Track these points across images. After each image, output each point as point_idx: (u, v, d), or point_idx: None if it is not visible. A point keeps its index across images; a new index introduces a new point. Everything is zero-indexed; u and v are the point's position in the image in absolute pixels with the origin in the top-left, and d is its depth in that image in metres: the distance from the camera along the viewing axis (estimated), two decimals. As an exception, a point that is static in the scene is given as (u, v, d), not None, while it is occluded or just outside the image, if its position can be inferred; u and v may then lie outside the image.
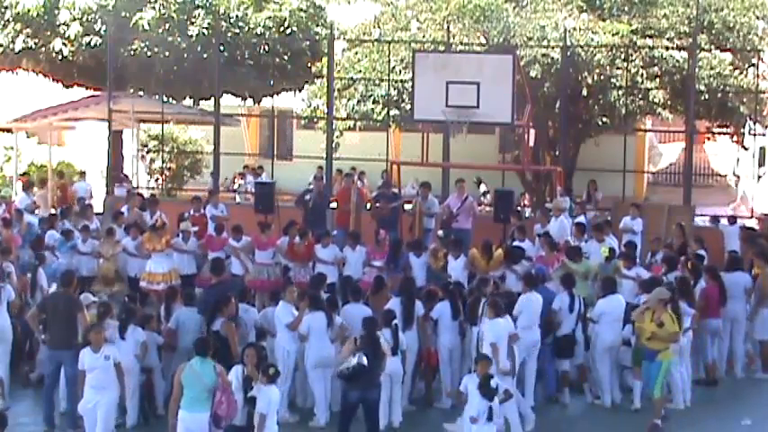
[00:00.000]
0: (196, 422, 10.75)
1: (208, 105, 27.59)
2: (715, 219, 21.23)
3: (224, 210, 19.92)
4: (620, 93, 22.84)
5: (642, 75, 22.68)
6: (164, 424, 11.63)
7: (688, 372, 14.28)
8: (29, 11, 25.09)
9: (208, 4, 25.22)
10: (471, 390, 11.04)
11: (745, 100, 23.49)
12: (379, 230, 17.76)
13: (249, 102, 29.05)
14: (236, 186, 28.23)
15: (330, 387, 13.19)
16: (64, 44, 25.35)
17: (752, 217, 22.39)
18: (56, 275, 15.21)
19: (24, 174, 25.21)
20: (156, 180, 28.65)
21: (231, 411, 10.82)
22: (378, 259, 16.78)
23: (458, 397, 11.53)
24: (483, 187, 27.36)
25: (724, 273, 15.49)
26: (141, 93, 27.25)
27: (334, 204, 20.82)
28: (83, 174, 25.23)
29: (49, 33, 25.49)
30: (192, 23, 25.01)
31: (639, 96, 23.03)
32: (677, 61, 22.80)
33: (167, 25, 25.02)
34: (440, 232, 18.42)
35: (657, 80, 22.81)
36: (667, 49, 22.88)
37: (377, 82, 24.16)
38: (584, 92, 22.89)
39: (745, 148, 27.28)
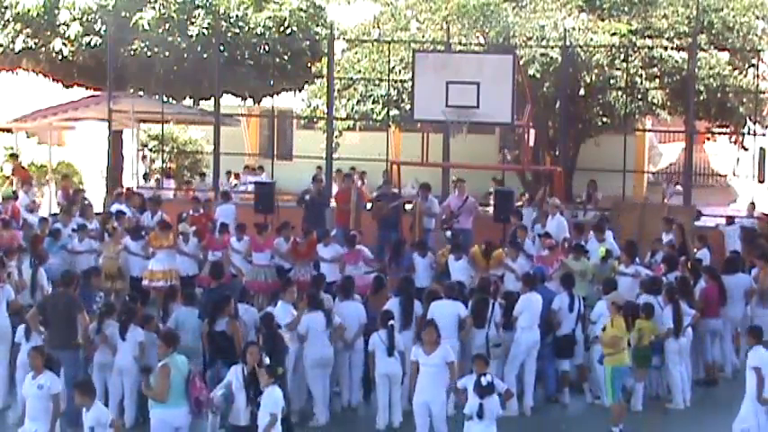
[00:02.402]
0: (177, 417, 10.91)
1: (208, 105, 27.59)
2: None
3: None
4: (620, 93, 22.85)
5: (641, 75, 22.70)
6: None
7: (688, 372, 14.28)
8: (29, 11, 25.07)
9: (208, 4, 25.20)
10: (469, 388, 11.06)
11: (744, 100, 23.50)
12: (352, 232, 17.80)
13: (249, 102, 29.04)
14: (231, 186, 28.18)
15: (329, 386, 13.22)
16: (64, 44, 25.33)
17: (753, 216, 22.34)
18: (49, 275, 15.25)
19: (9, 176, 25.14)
20: (156, 180, 28.64)
21: (208, 395, 11.05)
22: (353, 263, 16.70)
23: (458, 394, 11.56)
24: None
25: (724, 275, 15.47)
26: (141, 93, 27.23)
27: (334, 204, 20.83)
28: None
29: (49, 33, 25.46)
30: (192, 23, 24.99)
31: (639, 97, 23.04)
32: (676, 62, 22.80)
33: (167, 25, 25.00)
34: (448, 233, 18.41)
35: (657, 81, 22.82)
36: (666, 49, 22.88)
37: (377, 82, 24.16)
38: (583, 92, 22.89)
39: (745, 149, 27.28)
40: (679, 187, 24.92)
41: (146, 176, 28.04)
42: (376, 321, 13.13)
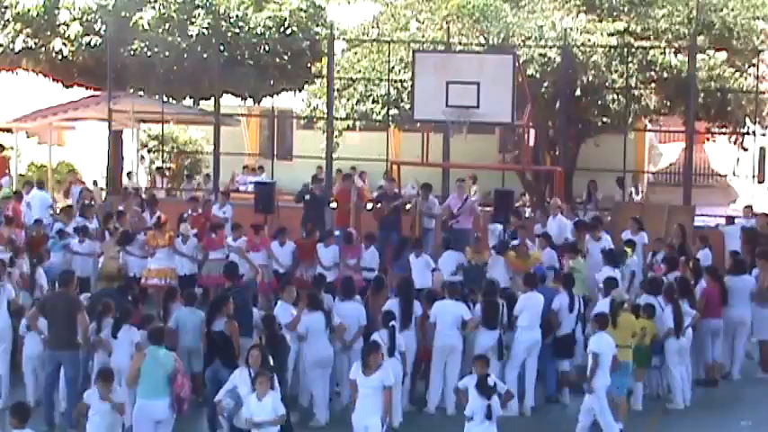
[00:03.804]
0: (158, 409, 11.01)
1: (208, 105, 27.59)
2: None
3: (227, 211, 19.84)
4: (617, 95, 22.88)
5: (638, 78, 22.74)
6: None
7: (688, 372, 14.28)
8: (29, 11, 25.08)
9: (208, 4, 25.21)
10: (470, 389, 11.05)
11: (744, 101, 23.49)
12: (349, 229, 17.81)
13: (249, 102, 29.05)
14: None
15: (329, 386, 13.21)
16: (64, 44, 25.34)
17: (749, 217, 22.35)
18: (49, 275, 15.27)
19: None
20: (151, 179, 28.68)
21: (190, 393, 11.33)
22: (351, 258, 16.78)
23: (458, 395, 11.54)
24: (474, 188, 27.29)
25: (729, 276, 15.45)
26: (141, 93, 27.25)
27: (334, 204, 20.81)
28: (40, 182, 24.39)
29: (49, 33, 25.47)
30: (192, 23, 24.99)
31: (635, 101, 23.08)
32: (672, 65, 22.80)
33: (167, 25, 25.01)
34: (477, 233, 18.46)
35: (654, 84, 22.85)
36: (663, 53, 22.87)
37: (376, 82, 24.17)
38: (579, 92, 22.91)
39: (744, 149, 27.26)
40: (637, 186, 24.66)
41: (129, 175, 27.93)
42: (375, 321, 13.14)
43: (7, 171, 26.35)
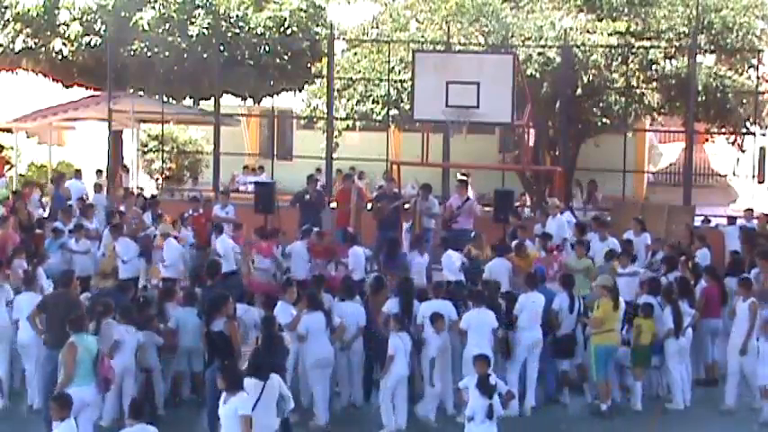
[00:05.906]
0: (89, 393, 11.17)
1: (208, 105, 27.61)
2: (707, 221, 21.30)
3: (230, 211, 19.83)
4: (617, 95, 22.89)
5: (638, 77, 22.73)
6: (164, 424, 11.63)
7: (688, 372, 14.28)
8: (29, 11, 25.11)
9: (208, 4, 25.23)
10: (471, 388, 11.04)
11: (745, 101, 23.49)
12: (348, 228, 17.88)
13: (249, 102, 29.07)
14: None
15: (329, 386, 13.22)
16: (64, 44, 25.37)
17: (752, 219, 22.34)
18: (48, 275, 15.29)
19: None
20: (156, 180, 28.67)
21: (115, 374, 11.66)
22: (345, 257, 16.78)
23: (459, 395, 11.54)
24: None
25: (729, 276, 15.45)
26: (141, 93, 27.26)
27: (334, 204, 20.81)
28: (78, 171, 24.99)
29: (49, 33, 25.50)
30: (192, 23, 25.02)
31: (635, 100, 23.07)
32: (675, 67, 22.80)
33: (167, 25, 25.03)
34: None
35: (654, 84, 22.85)
36: (665, 57, 22.87)
37: (376, 82, 24.17)
38: (579, 92, 22.92)
39: (743, 150, 27.26)
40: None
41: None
42: (374, 322, 13.13)
43: (8, 168, 26.40)
